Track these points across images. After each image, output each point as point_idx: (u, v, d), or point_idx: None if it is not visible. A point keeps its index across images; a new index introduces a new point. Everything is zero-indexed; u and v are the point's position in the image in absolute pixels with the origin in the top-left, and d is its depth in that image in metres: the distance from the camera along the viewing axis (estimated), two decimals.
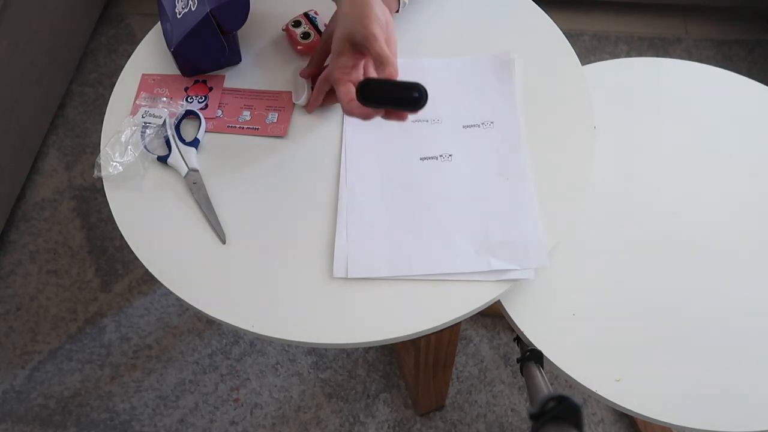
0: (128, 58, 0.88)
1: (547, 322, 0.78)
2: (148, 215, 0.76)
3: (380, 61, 0.64)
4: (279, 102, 0.83)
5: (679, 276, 0.82)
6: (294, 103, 0.83)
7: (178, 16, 0.81)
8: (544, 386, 0.71)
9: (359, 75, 0.69)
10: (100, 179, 0.79)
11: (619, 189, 0.88)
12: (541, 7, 0.91)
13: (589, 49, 1.76)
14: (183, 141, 0.80)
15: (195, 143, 0.80)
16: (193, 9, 0.79)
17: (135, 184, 0.78)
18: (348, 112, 0.67)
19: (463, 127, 0.81)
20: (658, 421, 0.73)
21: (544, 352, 0.76)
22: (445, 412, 1.27)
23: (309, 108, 0.82)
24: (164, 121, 0.81)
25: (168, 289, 0.71)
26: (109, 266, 1.46)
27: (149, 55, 0.88)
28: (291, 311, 0.69)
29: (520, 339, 0.80)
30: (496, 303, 0.73)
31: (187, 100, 0.83)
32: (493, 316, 1.36)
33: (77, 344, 1.36)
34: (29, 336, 1.38)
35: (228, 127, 0.82)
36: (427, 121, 0.81)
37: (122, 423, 1.28)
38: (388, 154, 0.79)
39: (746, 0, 1.74)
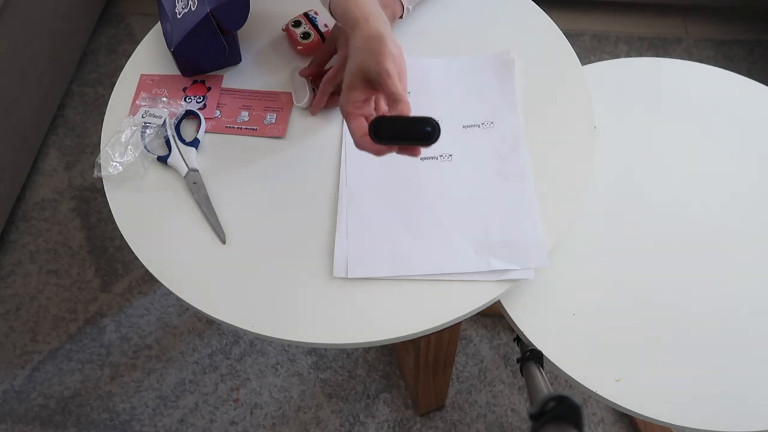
0: (128, 58, 0.88)
1: (547, 322, 0.78)
2: (148, 215, 0.76)
3: (393, 99, 0.63)
4: (277, 103, 0.83)
5: (679, 276, 0.82)
6: (296, 105, 0.83)
7: (178, 16, 0.81)
8: (544, 386, 0.71)
9: (370, 109, 0.68)
10: (100, 179, 0.79)
11: (619, 189, 0.88)
12: (541, 7, 0.91)
13: (589, 49, 1.76)
14: (183, 141, 0.80)
15: (195, 143, 0.80)
16: (193, 9, 0.79)
17: (135, 184, 0.78)
18: (360, 146, 0.65)
19: (463, 127, 0.81)
20: (658, 421, 0.73)
21: (544, 352, 0.76)
22: (445, 412, 1.27)
23: (313, 110, 0.82)
24: (164, 121, 0.81)
25: (168, 289, 0.71)
26: (109, 266, 1.46)
27: (149, 55, 0.88)
28: (291, 311, 0.69)
29: (520, 339, 0.80)
30: (496, 303, 0.73)
31: (185, 100, 0.83)
32: (493, 316, 1.36)
33: (77, 344, 1.36)
34: (29, 336, 1.38)
35: (226, 127, 0.82)
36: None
37: (122, 423, 1.28)
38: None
39: (746, 0, 1.74)
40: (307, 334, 0.68)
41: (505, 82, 0.84)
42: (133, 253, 0.74)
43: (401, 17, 0.85)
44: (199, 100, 0.84)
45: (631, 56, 1.74)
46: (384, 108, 0.69)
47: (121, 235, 0.75)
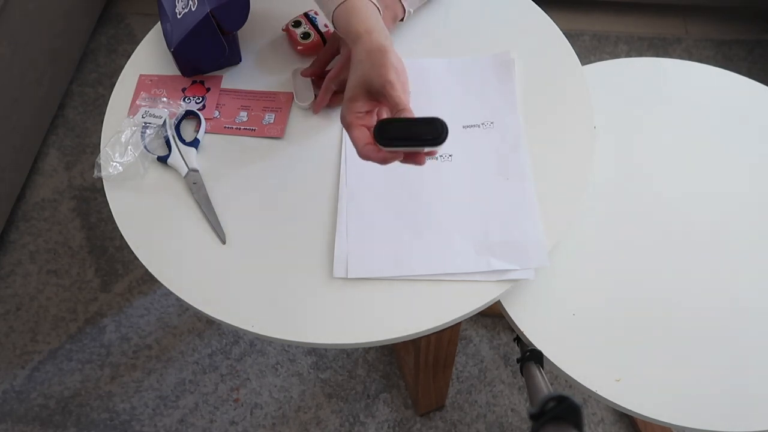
0: (128, 58, 0.88)
1: (547, 322, 0.78)
2: (148, 215, 0.76)
3: (397, 109, 0.63)
4: (276, 103, 0.83)
5: (679, 276, 0.82)
6: (298, 105, 0.83)
7: (178, 16, 0.81)
8: (544, 386, 0.71)
9: (373, 121, 0.67)
10: (100, 179, 0.79)
11: (619, 189, 0.88)
12: (541, 7, 0.91)
13: (589, 49, 1.76)
14: (183, 141, 0.80)
15: (195, 143, 0.80)
16: (193, 9, 0.79)
17: (135, 184, 0.78)
18: (364, 155, 0.64)
19: (463, 127, 0.81)
20: (658, 421, 0.73)
21: (544, 352, 0.76)
22: (445, 412, 1.27)
23: (315, 108, 0.82)
24: (164, 121, 0.81)
25: (168, 289, 0.71)
26: (109, 266, 1.46)
27: (149, 56, 0.88)
28: (291, 311, 0.69)
29: (520, 339, 0.80)
30: (496, 303, 0.73)
31: (184, 100, 0.83)
32: (493, 316, 1.36)
33: (77, 344, 1.36)
34: (29, 336, 1.38)
35: (225, 127, 0.82)
36: None
37: (122, 423, 1.28)
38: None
39: (746, 0, 1.74)
40: (307, 334, 0.68)
41: (505, 82, 0.84)
42: (133, 253, 0.74)
43: (402, 20, 0.85)
44: (198, 101, 0.84)
45: (631, 56, 1.74)
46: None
47: (121, 235, 0.75)
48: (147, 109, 0.82)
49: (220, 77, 0.86)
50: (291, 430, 1.26)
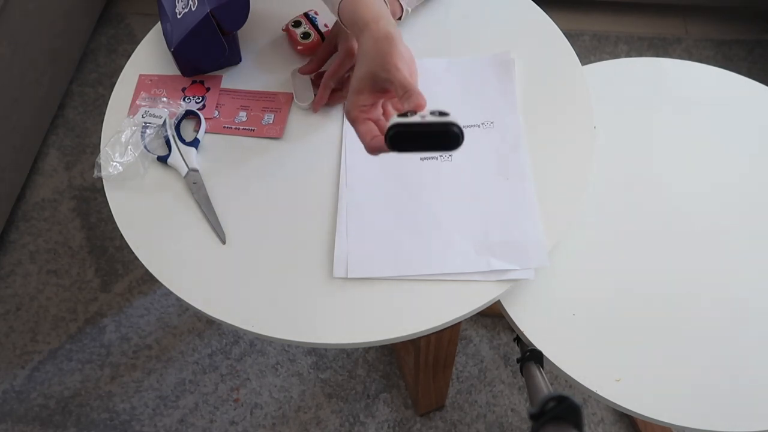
0: (128, 58, 0.88)
1: (547, 322, 0.78)
2: (148, 215, 0.76)
3: (404, 90, 0.60)
4: (275, 103, 0.83)
5: (679, 276, 0.82)
6: (298, 105, 0.83)
7: (178, 16, 0.81)
8: (544, 386, 0.71)
9: (378, 113, 0.66)
10: (100, 179, 0.79)
11: (619, 189, 0.88)
12: (541, 7, 0.91)
13: (589, 49, 1.76)
14: (183, 141, 0.80)
15: (195, 143, 0.80)
16: (193, 9, 0.79)
17: (135, 184, 0.78)
18: (373, 149, 0.62)
19: (463, 127, 0.81)
20: (658, 421, 0.73)
21: (544, 352, 0.76)
22: (445, 412, 1.27)
23: (315, 107, 0.82)
24: (164, 121, 0.81)
25: (168, 289, 0.71)
26: (109, 266, 1.46)
27: (149, 56, 0.88)
28: (291, 311, 0.69)
29: (520, 339, 0.80)
30: (496, 303, 0.73)
31: (184, 100, 0.83)
32: (493, 316, 1.36)
33: (77, 344, 1.36)
34: (29, 336, 1.38)
35: (224, 127, 0.82)
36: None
37: (122, 423, 1.28)
38: (389, 154, 0.79)
39: (746, 0, 1.74)
40: (307, 334, 0.68)
41: (505, 82, 0.84)
42: (133, 253, 0.74)
43: (400, 18, 0.85)
44: (198, 101, 0.84)
45: (631, 56, 1.74)
46: (392, 112, 0.68)
47: (121, 235, 0.75)
48: (147, 109, 0.82)
49: (220, 77, 0.86)
50: (291, 430, 1.26)
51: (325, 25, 0.87)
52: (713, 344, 0.77)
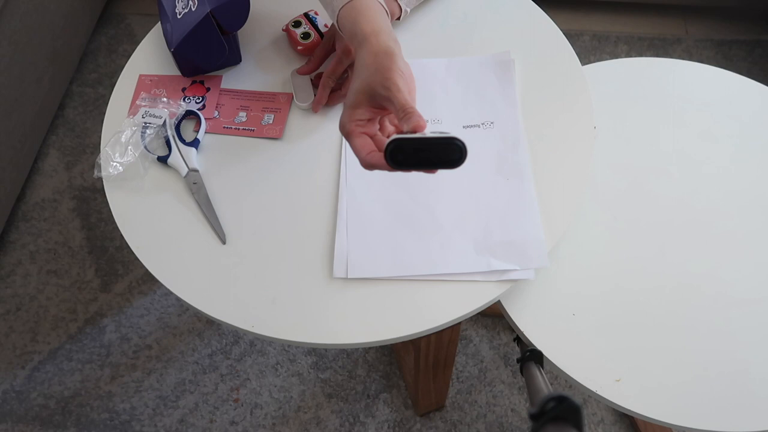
0: (128, 58, 0.88)
1: (547, 322, 0.78)
2: (148, 215, 0.76)
3: (404, 112, 0.58)
4: (275, 104, 0.83)
5: (679, 276, 0.82)
6: (298, 106, 0.83)
7: (178, 17, 0.81)
8: (544, 386, 0.71)
9: (374, 129, 0.64)
10: (100, 179, 0.79)
11: (619, 189, 0.88)
12: (541, 7, 0.91)
13: (589, 49, 1.76)
14: (183, 141, 0.80)
15: (195, 143, 0.80)
16: (193, 9, 0.79)
17: (135, 184, 0.78)
18: (369, 164, 0.59)
19: (463, 127, 0.81)
20: (658, 421, 0.73)
21: (544, 352, 0.76)
22: (445, 412, 1.27)
23: (315, 107, 0.82)
24: (164, 121, 0.81)
25: (168, 289, 0.71)
26: (109, 266, 1.46)
27: (149, 56, 0.88)
28: (291, 311, 0.69)
29: (520, 339, 0.80)
30: (496, 303, 0.73)
31: (184, 100, 0.83)
32: (493, 316, 1.36)
33: (77, 344, 1.36)
34: (29, 336, 1.38)
35: (224, 128, 0.82)
36: (427, 121, 0.81)
37: (122, 423, 1.28)
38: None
39: (746, 0, 1.74)
40: (307, 334, 0.68)
41: (505, 82, 0.84)
42: (133, 253, 0.74)
43: (399, 19, 0.85)
44: (198, 101, 0.84)
45: (631, 56, 1.74)
46: (390, 129, 0.65)
47: (121, 235, 0.75)
48: (147, 109, 0.82)
49: (220, 77, 0.86)
50: (291, 430, 1.26)
51: (325, 26, 0.87)
52: (713, 344, 0.77)
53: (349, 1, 0.66)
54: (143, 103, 0.82)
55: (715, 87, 0.97)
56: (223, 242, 0.74)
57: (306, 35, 0.86)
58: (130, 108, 0.83)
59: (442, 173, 0.77)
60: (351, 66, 0.80)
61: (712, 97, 0.96)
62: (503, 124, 0.81)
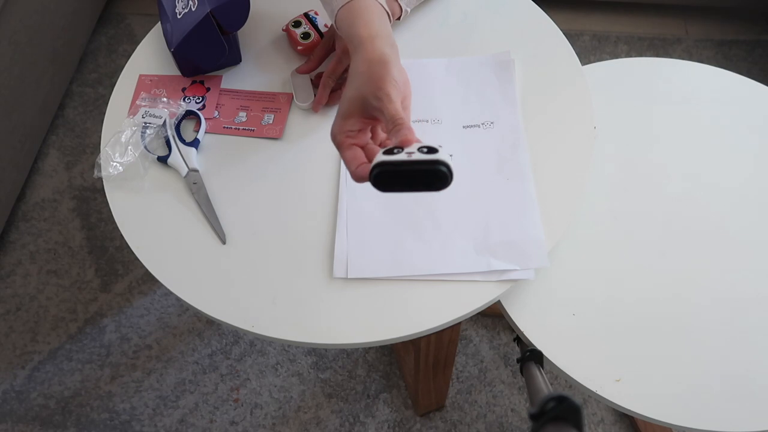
0: (128, 59, 0.88)
1: (547, 322, 0.78)
2: (148, 215, 0.76)
3: (394, 123, 0.57)
4: (275, 104, 0.83)
5: (679, 276, 0.82)
6: (298, 106, 0.83)
7: (178, 17, 0.81)
8: (544, 386, 0.71)
9: (366, 138, 0.62)
10: (100, 179, 0.79)
11: (619, 189, 0.88)
12: (541, 7, 0.91)
13: (589, 49, 1.76)
14: (183, 141, 0.80)
15: (195, 143, 0.80)
16: (193, 9, 0.79)
17: (135, 184, 0.78)
18: (359, 177, 0.58)
19: (463, 127, 0.81)
20: (658, 421, 0.73)
21: (544, 352, 0.76)
22: (445, 412, 1.27)
23: (315, 107, 0.82)
24: (164, 121, 0.81)
25: (168, 289, 0.71)
26: (109, 266, 1.46)
27: (149, 56, 0.88)
28: (291, 311, 0.69)
29: (520, 339, 0.80)
30: (496, 303, 0.73)
31: (184, 100, 0.83)
32: (493, 316, 1.36)
33: (77, 344, 1.36)
34: (29, 336, 1.38)
35: (224, 128, 0.82)
36: (427, 121, 0.81)
37: (122, 423, 1.28)
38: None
39: (746, 0, 1.74)
40: (307, 334, 0.68)
41: (505, 82, 0.84)
42: (133, 253, 0.74)
43: (399, 19, 0.85)
44: (198, 101, 0.84)
45: (631, 56, 1.74)
46: (382, 136, 0.64)
47: (121, 235, 0.75)
48: (147, 109, 0.82)
49: (220, 77, 0.86)
50: (291, 430, 1.26)
51: (325, 26, 0.87)
52: (713, 344, 0.77)
53: (348, 2, 0.65)
54: (143, 103, 0.82)
55: (714, 87, 0.97)
56: (223, 242, 0.74)
57: (306, 35, 0.86)
58: (130, 108, 0.83)
59: None
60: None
61: (712, 97, 0.96)
62: (503, 124, 0.81)
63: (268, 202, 0.76)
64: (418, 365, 1.05)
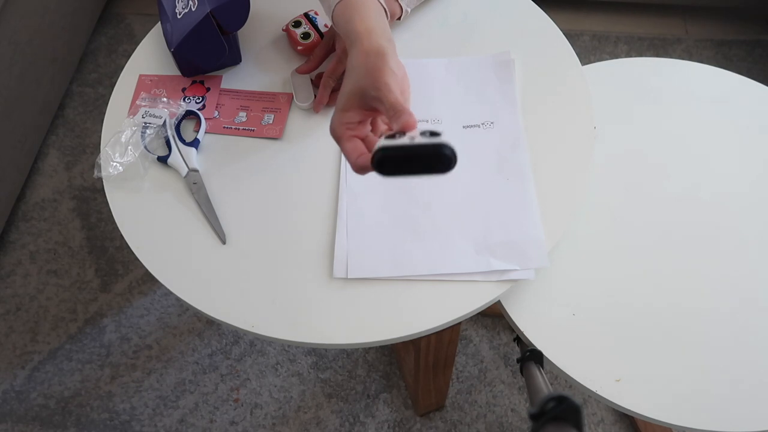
0: (128, 59, 0.88)
1: (547, 322, 0.78)
2: (148, 215, 0.76)
3: (394, 111, 0.56)
4: (275, 104, 0.83)
5: (679, 276, 0.82)
6: (298, 106, 0.83)
7: (178, 17, 0.81)
8: (544, 386, 0.71)
9: (366, 130, 0.62)
10: (100, 179, 0.79)
11: (619, 189, 0.88)
12: (541, 7, 0.91)
13: (589, 49, 1.76)
14: (183, 141, 0.80)
15: (195, 143, 0.80)
16: (193, 9, 0.79)
17: (135, 184, 0.78)
18: (360, 168, 0.58)
19: (463, 127, 0.81)
20: (658, 421, 0.73)
21: (544, 352, 0.76)
22: (445, 412, 1.27)
23: (316, 107, 0.82)
24: (164, 121, 0.81)
25: (168, 289, 0.71)
26: (109, 266, 1.46)
27: (149, 56, 0.88)
28: (291, 311, 0.69)
29: (520, 339, 0.80)
30: (496, 303, 0.73)
31: (184, 100, 0.83)
32: (493, 316, 1.36)
33: (77, 344, 1.36)
34: (29, 336, 1.38)
35: (224, 128, 0.82)
36: (427, 121, 0.81)
37: (122, 423, 1.28)
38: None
39: (746, 0, 1.74)
40: (307, 334, 0.68)
41: (505, 82, 0.84)
42: (133, 253, 0.74)
43: (399, 19, 0.85)
44: (198, 101, 0.84)
45: (631, 56, 1.74)
46: (382, 128, 0.63)
47: (121, 235, 0.75)
48: (147, 109, 0.82)
49: (220, 77, 0.86)
50: (291, 430, 1.26)
51: (325, 26, 0.87)
52: (713, 344, 0.77)
53: None
54: (143, 103, 0.82)
55: (715, 87, 0.97)
56: (223, 242, 0.74)
57: (306, 35, 0.86)
58: (130, 108, 0.83)
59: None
60: None
61: (712, 97, 0.96)
62: (503, 124, 0.81)
63: (268, 202, 0.76)
64: (418, 365, 1.05)
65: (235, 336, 1.36)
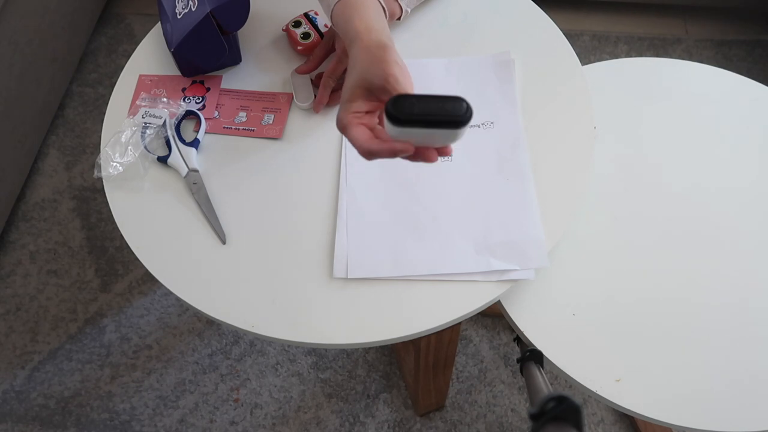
0: (128, 59, 0.88)
1: (547, 322, 0.78)
2: (148, 215, 0.76)
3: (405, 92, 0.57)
4: (275, 104, 0.83)
5: (679, 276, 0.82)
6: (298, 106, 0.83)
7: (178, 17, 0.81)
8: (544, 386, 0.71)
9: (373, 122, 0.61)
10: (100, 179, 0.79)
11: (619, 189, 0.88)
12: (541, 7, 0.91)
13: (589, 49, 1.76)
14: (183, 141, 0.80)
15: (195, 144, 0.80)
16: (193, 9, 0.79)
17: (135, 184, 0.78)
18: (368, 151, 0.57)
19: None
20: (658, 421, 0.73)
21: (544, 352, 0.76)
22: (445, 412, 1.27)
23: (316, 107, 0.82)
24: (164, 121, 0.81)
25: (168, 289, 0.71)
26: (109, 266, 1.46)
27: (149, 56, 0.88)
28: (291, 311, 0.69)
29: (520, 339, 0.80)
30: (496, 303, 0.73)
31: (184, 100, 0.83)
32: (493, 316, 1.36)
33: (77, 344, 1.36)
34: (29, 336, 1.38)
35: (224, 128, 0.82)
36: None
37: (122, 423, 1.28)
38: (387, 160, 0.79)
39: (746, 0, 1.74)
40: (307, 334, 0.68)
41: (505, 82, 0.84)
42: (133, 253, 0.74)
43: (399, 19, 0.85)
44: (198, 101, 0.84)
45: (631, 56, 1.74)
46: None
47: (121, 235, 0.75)
48: (147, 109, 0.82)
49: (220, 77, 0.86)
50: (291, 430, 1.26)
51: (325, 26, 0.87)
52: (713, 344, 0.77)
53: None
54: (143, 103, 0.82)
55: (715, 87, 0.97)
56: (223, 242, 0.74)
57: (306, 35, 0.86)
58: (130, 108, 0.83)
59: (441, 173, 0.77)
60: None
61: (712, 97, 0.96)
62: (503, 124, 0.81)
63: (268, 202, 0.77)
64: (418, 365, 1.05)
65: (235, 336, 1.36)
